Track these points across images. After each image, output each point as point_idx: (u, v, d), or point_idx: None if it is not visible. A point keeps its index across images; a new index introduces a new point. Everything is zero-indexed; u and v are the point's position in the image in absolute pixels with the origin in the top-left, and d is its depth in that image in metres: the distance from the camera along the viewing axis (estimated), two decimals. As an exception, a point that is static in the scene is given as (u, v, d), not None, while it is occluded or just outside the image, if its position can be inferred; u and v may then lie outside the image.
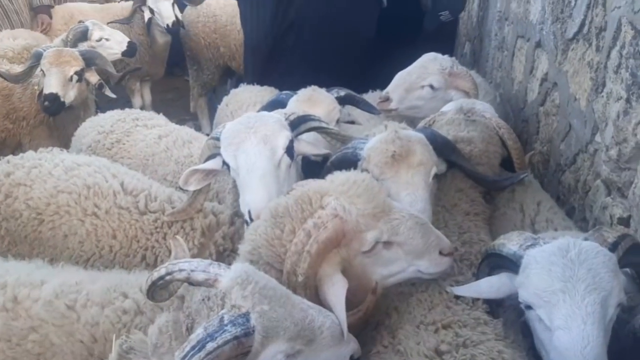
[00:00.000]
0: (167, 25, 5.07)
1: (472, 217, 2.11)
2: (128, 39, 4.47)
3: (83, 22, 4.58)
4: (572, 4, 2.72)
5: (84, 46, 4.24)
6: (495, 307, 1.74)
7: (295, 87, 2.85)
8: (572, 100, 2.65)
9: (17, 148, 4.10)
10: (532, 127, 3.27)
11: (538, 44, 3.26)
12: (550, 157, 2.93)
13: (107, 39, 4.38)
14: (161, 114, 3.29)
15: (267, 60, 3.90)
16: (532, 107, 3.30)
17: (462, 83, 2.95)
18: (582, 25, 2.58)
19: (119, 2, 6.25)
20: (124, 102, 5.44)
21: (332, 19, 3.70)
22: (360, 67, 3.98)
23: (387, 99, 2.96)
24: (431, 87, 2.95)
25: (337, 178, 1.73)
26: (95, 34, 4.36)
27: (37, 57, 3.61)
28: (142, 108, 6.17)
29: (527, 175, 2.26)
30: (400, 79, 3.00)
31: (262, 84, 3.67)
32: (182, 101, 6.78)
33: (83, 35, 4.32)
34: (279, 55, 3.88)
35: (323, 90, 2.69)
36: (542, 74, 3.16)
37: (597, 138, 2.34)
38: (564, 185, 2.71)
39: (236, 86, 3.92)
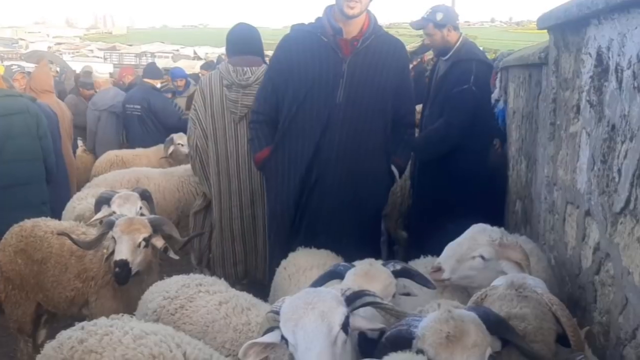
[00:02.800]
0: None
1: (532, 398, 2.08)
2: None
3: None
4: (616, 180, 2.83)
5: (106, 210, 4.62)
6: None
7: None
8: (625, 274, 2.66)
9: (84, 306, 4.34)
10: (589, 295, 3.24)
11: (587, 213, 3.33)
12: (610, 329, 2.87)
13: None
14: (222, 279, 3.46)
15: (290, 225, 4.26)
16: (587, 274, 3.29)
17: (512, 254, 3.03)
18: (628, 201, 2.67)
19: None
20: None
21: (350, 185, 4.18)
22: (373, 233, 4.51)
23: (439, 269, 3.05)
24: (482, 257, 3.04)
25: (394, 360, 1.79)
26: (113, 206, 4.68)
27: (109, 226, 3.93)
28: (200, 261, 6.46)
29: (582, 357, 2.23)
30: (451, 250, 3.11)
31: (287, 248, 4.02)
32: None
33: (106, 201, 4.73)
34: (302, 220, 4.26)
35: (379, 264, 2.81)
36: (594, 243, 3.19)
37: (655, 315, 2.32)
38: (627, 360, 2.63)
39: None
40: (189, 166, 6.36)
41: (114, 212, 4.58)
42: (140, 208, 4.77)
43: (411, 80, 4.64)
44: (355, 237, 4.14)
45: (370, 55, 4.06)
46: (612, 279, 2.89)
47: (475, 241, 3.07)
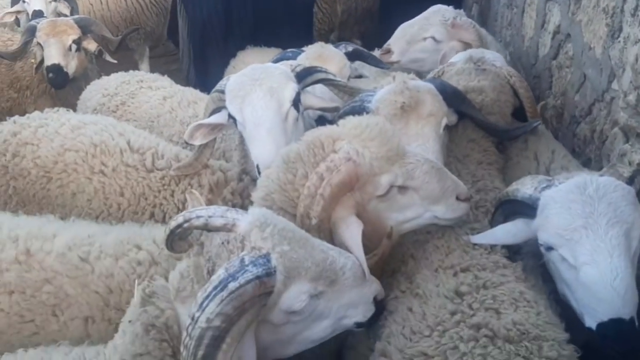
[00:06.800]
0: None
1: (485, 166, 2.08)
2: (35, 8, 4.26)
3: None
4: (583, -49, 2.63)
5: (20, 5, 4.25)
6: (512, 254, 1.72)
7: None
8: (586, 50, 2.58)
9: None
10: (544, 82, 3.21)
11: (549, -3, 3.18)
12: (564, 110, 2.87)
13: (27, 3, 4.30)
14: (166, 76, 3.23)
15: (220, 35, 3.93)
16: (544, 61, 3.23)
17: (465, 35, 2.88)
18: (596, -29, 2.50)
19: None
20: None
21: None
22: (306, 22, 4.23)
23: (388, 51, 2.92)
24: (433, 39, 2.90)
25: (349, 122, 1.69)
26: None
27: (32, 32, 3.56)
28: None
29: (539, 123, 2.21)
30: (402, 31, 2.96)
31: (219, 58, 3.79)
32: (186, 72, 6.72)
33: None
34: (231, 27, 3.91)
35: (331, 46, 2.63)
36: (555, 27, 3.08)
37: (614, 85, 2.28)
38: (579, 137, 2.66)
39: None
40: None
41: (24, 2, 4.21)
42: (55, 0, 4.34)
43: None
44: (286, 34, 3.81)
45: None
46: (570, 59, 2.82)
47: (428, 21, 2.90)
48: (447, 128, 2.08)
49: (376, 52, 3.45)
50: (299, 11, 3.98)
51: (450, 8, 2.96)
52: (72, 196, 2.20)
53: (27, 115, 2.55)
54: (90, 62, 3.85)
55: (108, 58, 3.74)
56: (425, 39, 2.90)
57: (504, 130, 2.19)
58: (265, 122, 1.98)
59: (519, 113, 2.39)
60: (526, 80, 3.49)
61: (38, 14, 4.18)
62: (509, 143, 2.26)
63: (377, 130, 1.62)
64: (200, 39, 3.89)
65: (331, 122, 2.27)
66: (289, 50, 2.72)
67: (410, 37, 2.90)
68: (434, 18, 2.90)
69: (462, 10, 3.03)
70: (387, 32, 5.02)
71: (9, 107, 4.04)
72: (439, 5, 2.96)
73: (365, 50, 2.75)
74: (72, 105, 3.62)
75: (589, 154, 2.52)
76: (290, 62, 2.37)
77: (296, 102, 2.07)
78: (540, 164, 2.12)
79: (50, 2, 4.35)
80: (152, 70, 6.10)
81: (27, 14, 4.32)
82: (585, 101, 2.58)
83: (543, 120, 3.01)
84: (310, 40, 4.36)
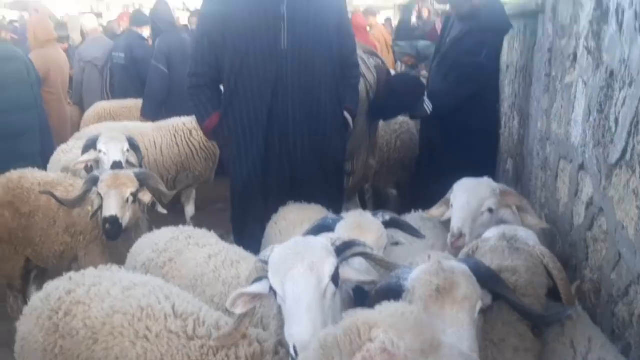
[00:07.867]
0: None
1: (522, 353, 2.07)
2: (115, 159, 4.54)
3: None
4: (613, 130, 2.76)
5: (92, 153, 4.57)
6: None
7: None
8: (619, 228, 2.61)
9: (73, 261, 4.30)
10: (580, 253, 3.21)
11: (581, 167, 3.27)
12: (602, 287, 2.84)
13: (104, 153, 4.59)
14: (212, 232, 3.41)
15: (259, 194, 4.08)
16: (579, 231, 3.26)
17: (512, 199, 3.09)
18: (624, 152, 2.60)
19: None
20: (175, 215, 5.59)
21: (310, 140, 3.98)
22: (337, 186, 4.34)
23: (461, 236, 3.00)
24: (490, 210, 3.06)
25: (387, 309, 1.75)
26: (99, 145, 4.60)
27: (94, 182, 3.84)
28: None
29: (574, 310, 2.21)
30: (463, 212, 3.05)
31: (256, 209, 3.94)
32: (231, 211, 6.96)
33: (93, 144, 4.62)
34: (267, 181, 4.06)
35: (369, 215, 2.77)
36: (588, 198, 3.14)
37: (649, 269, 2.29)
38: (618, 318, 2.60)
39: None
40: (182, 118, 6.17)
41: (100, 152, 4.53)
42: (128, 151, 4.66)
43: (349, 17, 4.35)
44: (319, 192, 3.96)
45: None
46: (604, 234, 2.85)
47: (480, 196, 3.06)
48: (482, 311, 2.12)
49: (412, 215, 3.59)
50: (331, 169, 4.19)
51: (486, 178, 3.15)
52: (114, 360, 2.28)
53: (82, 272, 2.71)
54: (142, 212, 4.07)
55: (160, 210, 3.98)
56: (483, 213, 3.05)
57: (538, 317, 2.20)
58: (304, 298, 2.06)
59: (552, 293, 2.40)
60: (563, 246, 3.54)
61: (117, 165, 4.48)
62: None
63: (413, 320, 1.67)
64: (240, 198, 4.08)
65: (368, 294, 2.36)
66: (329, 217, 2.87)
67: (474, 215, 3.03)
68: (484, 191, 3.07)
69: (487, 178, 3.22)
70: (423, 182, 5.22)
71: (61, 250, 4.28)
72: (472, 179, 3.13)
73: (402, 219, 2.87)
74: (120, 253, 3.83)
75: (628, 339, 2.46)
76: (330, 235, 2.49)
77: (335, 277, 2.16)
78: (577, 353, 2.10)
79: (124, 152, 4.67)
80: (197, 208, 6.42)
81: (96, 161, 4.65)
82: (622, 281, 2.56)
83: (581, 294, 2.98)
84: (342, 194, 4.57)
